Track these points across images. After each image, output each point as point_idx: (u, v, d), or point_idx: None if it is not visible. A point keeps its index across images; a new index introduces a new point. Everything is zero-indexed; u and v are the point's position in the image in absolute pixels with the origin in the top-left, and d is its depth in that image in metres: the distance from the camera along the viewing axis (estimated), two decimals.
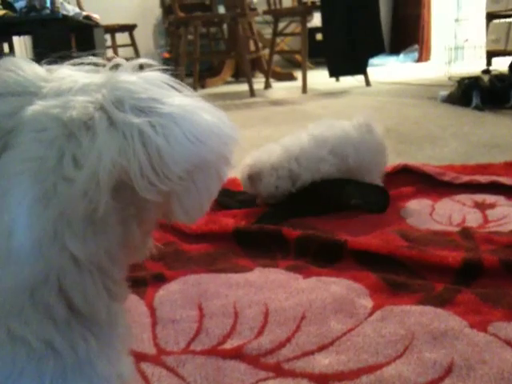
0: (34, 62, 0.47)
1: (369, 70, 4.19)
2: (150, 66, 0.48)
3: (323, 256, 1.16)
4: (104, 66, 0.48)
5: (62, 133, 0.41)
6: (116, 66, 0.47)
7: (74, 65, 0.48)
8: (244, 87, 4.18)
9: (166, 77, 0.46)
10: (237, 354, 0.84)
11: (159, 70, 0.47)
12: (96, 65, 0.48)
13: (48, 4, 3.27)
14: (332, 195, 1.48)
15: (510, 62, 3.37)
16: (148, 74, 0.46)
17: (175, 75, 0.47)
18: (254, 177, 1.50)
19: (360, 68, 4.11)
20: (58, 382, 0.42)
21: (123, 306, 0.50)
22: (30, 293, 0.41)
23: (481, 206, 1.43)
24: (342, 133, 1.51)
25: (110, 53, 5.16)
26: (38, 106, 0.43)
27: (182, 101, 0.44)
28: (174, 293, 1.05)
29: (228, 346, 0.87)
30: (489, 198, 1.48)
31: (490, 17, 4.51)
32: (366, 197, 1.46)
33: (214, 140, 0.44)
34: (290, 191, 1.51)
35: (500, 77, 2.98)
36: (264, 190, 1.50)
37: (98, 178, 0.39)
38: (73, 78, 0.45)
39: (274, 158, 1.50)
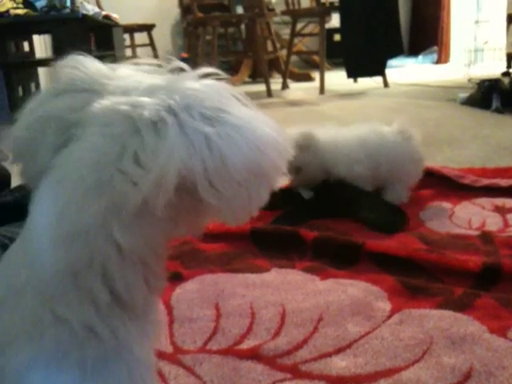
0: (97, 60, 0.50)
1: (387, 71, 4.17)
2: (211, 73, 0.49)
3: (340, 258, 1.16)
4: (161, 67, 0.50)
5: (127, 129, 0.42)
6: (177, 70, 0.49)
7: (133, 65, 0.50)
8: (261, 87, 4.18)
9: (227, 86, 0.48)
10: (253, 355, 0.84)
11: (219, 78, 0.49)
12: (153, 66, 0.50)
13: (68, 3, 3.30)
14: (348, 206, 1.47)
15: None
16: (211, 82, 0.48)
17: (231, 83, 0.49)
18: (303, 146, 1.46)
19: (378, 69, 4.09)
20: (99, 365, 0.44)
21: (157, 300, 0.51)
22: (74, 277, 0.43)
23: (501, 210, 1.41)
24: (380, 140, 1.48)
25: (128, 52, 5.18)
26: (107, 102, 0.44)
27: (245, 112, 0.47)
28: (191, 292, 1.05)
29: (244, 346, 0.87)
30: (509, 202, 1.46)
31: (511, 19, 4.45)
32: (381, 215, 1.42)
33: (272, 152, 0.46)
34: (324, 178, 1.50)
35: None
36: (310, 162, 1.48)
37: (163, 181, 0.41)
38: (136, 78, 0.48)
39: (322, 137, 1.50)
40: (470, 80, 3.60)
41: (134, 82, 0.47)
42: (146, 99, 0.44)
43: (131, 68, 0.50)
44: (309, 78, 5.03)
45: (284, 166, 0.48)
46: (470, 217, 1.38)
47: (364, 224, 1.37)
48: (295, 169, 1.49)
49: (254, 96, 4.23)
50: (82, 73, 0.47)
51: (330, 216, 1.43)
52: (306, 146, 1.46)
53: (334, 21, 5.44)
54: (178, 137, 0.42)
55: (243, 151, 0.43)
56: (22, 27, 3.47)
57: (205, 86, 0.46)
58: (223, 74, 0.50)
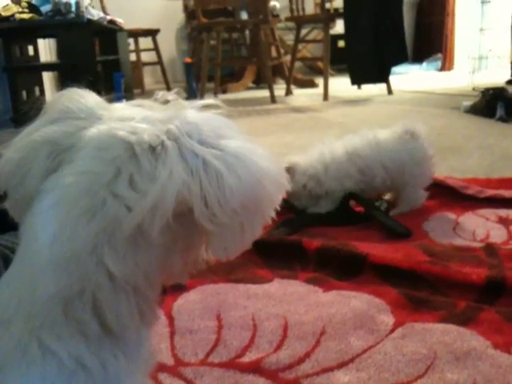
0: (94, 94, 0.51)
1: (391, 78, 4.16)
2: (211, 106, 0.50)
3: (344, 269, 1.15)
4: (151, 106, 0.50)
5: (124, 153, 0.42)
6: (174, 105, 0.49)
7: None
8: (265, 93, 4.19)
9: (227, 120, 0.49)
10: (255, 368, 0.83)
11: (220, 112, 0.49)
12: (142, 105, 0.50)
13: (73, 8, 3.30)
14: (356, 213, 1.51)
15: None
16: (211, 114, 0.48)
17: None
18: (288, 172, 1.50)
19: (382, 76, 4.09)
20: None
21: (150, 332, 0.50)
22: (64, 306, 0.42)
23: (505, 222, 1.40)
24: (374, 152, 1.50)
25: (133, 57, 5.19)
26: (104, 126, 0.45)
27: (244, 143, 0.47)
28: (193, 302, 1.04)
29: (246, 359, 0.86)
30: None
31: None
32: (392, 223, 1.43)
33: (271, 184, 0.46)
34: (318, 195, 1.52)
35: None
36: (293, 187, 1.50)
37: (159, 205, 0.41)
38: (130, 110, 0.48)
39: (307, 159, 1.54)
40: (474, 88, 3.60)
41: (129, 113, 0.47)
42: (144, 125, 0.44)
43: (126, 103, 0.50)
44: (312, 85, 5.03)
45: (279, 201, 0.49)
46: (474, 228, 1.38)
47: (383, 227, 1.39)
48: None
49: (257, 102, 4.25)
50: (80, 103, 0.48)
51: (331, 223, 1.44)
52: (289, 171, 1.49)
53: (339, 27, 5.44)
54: (178, 161, 0.42)
55: (241, 178, 0.43)
56: (27, 31, 3.48)
57: (205, 116, 0.47)
58: (223, 107, 0.50)
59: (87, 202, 0.41)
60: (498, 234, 1.33)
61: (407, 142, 1.50)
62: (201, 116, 0.47)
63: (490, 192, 1.57)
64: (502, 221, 1.41)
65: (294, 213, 1.53)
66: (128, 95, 4.02)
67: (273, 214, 0.49)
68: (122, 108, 0.49)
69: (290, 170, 1.50)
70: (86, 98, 0.49)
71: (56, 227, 0.42)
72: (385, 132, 1.54)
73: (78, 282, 0.42)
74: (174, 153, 0.42)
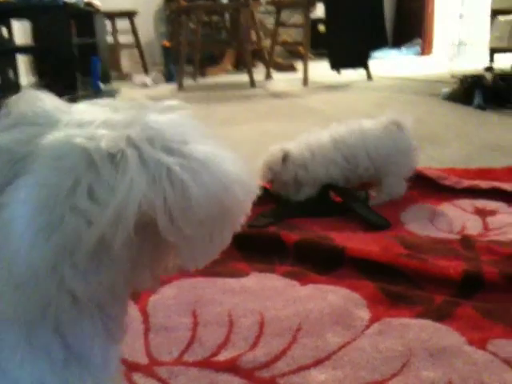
0: (54, 96, 0.47)
1: (370, 62, 4.16)
2: (177, 107, 0.47)
3: (322, 263, 1.14)
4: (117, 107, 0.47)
5: (81, 162, 0.39)
6: (140, 106, 0.46)
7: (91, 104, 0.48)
8: (244, 78, 4.15)
9: (194, 122, 0.46)
10: (231, 367, 0.82)
11: (186, 113, 0.47)
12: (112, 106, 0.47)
13: None
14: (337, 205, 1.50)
15: None
16: (177, 116, 0.45)
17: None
18: (285, 159, 1.51)
19: (362, 61, 4.08)
20: None
21: (118, 349, 0.48)
22: (26, 330, 0.40)
23: (481, 213, 1.41)
24: (359, 140, 1.51)
25: (110, 39, 5.10)
26: (59, 134, 0.41)
27: (211, 148, 0.44)
28: (169, 298, 1.03)
29: (222, 357, 0.85)
30: (489, 205, 1.46)
31: (495, 13, 4.47)
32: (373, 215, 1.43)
33: (238, 189, 0.44)
34: (304, 182, 1.52)
35: (503, 76, 2.95)
36: (286, 176, 1.52)
37: (121, 217, 0.38)
38: (92, 112, 0.45)
39: (297, 147, 1.54)
40: (452, 76, 3.60)
41: (90, 115, 0.44)
42: (102, 131, 0.41)
43: (90, 104, 0.47)
44: (292, 69, 5.01)
45: (249, 206, 0.46)
46: (451, 219, 1.38)
47: (362, 220, 1.39)
48: (269, 180, 1.55)
49: (236, 86, 4.22)
50: (37, 107, 0.45)
51: (312, 214, 1.43)
52: (279, 163, 1.51)
53: (319, 11, 5.40)
54: (138, 169, 0.39)
55: (207, 186, 0.41)
56: (1, 13, 3.39)
57: (168, 118, 0.44)
58: (188, 107, 0.47)
59: (45, 218, 0.38)
60: (474, 226, 1.33)
61: (392, 132, 1.51)
62: (164, 119, 0.44)
63: (467, 183, 1.57)
64: (479, 212, 1.42)
65: (276, 203, 1.52)
66: (105, 79, 3.96)
67: (242, 221, 0.46)
68: (83, 111, 0.45)
69: (286, 159, 1.51)
70: (44, 102, 0.45)
71: (12, 247, 0.39)
72: (370, 122, 1.55)
73: (38, 304, 0.39)
74: (134, 161, 0.39)
